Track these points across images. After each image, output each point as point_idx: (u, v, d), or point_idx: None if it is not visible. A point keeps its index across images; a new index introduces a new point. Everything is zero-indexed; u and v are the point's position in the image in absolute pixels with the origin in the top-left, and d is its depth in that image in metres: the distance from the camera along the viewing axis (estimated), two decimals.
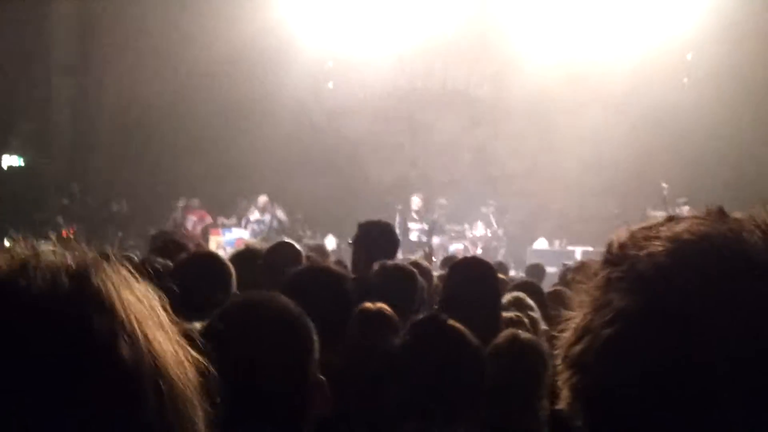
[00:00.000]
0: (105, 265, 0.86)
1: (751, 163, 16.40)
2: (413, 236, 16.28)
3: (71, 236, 14.42)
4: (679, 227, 0.92)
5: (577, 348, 0.93)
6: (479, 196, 18.02)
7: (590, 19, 18.11)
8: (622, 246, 0.95)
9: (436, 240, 16.54)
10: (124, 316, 0.82)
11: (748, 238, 0.88)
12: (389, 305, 3.56)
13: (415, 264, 6.34)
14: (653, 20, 17.78)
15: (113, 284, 0.84)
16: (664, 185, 15.30)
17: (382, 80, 18.47)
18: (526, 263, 13.46)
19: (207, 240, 17.05)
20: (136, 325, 0.83)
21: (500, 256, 15.64)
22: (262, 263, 5.24)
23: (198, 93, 18.38)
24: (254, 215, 17.02)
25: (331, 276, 3.55)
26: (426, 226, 16.48)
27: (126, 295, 0.84)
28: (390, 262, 4.58)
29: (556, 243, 17.48)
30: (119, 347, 0.80)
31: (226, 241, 16.36)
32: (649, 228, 0.96)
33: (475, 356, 2.75)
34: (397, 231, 16.32)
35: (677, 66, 17.41)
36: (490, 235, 17.53)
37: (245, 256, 5.28)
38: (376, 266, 4.48)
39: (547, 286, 8.41)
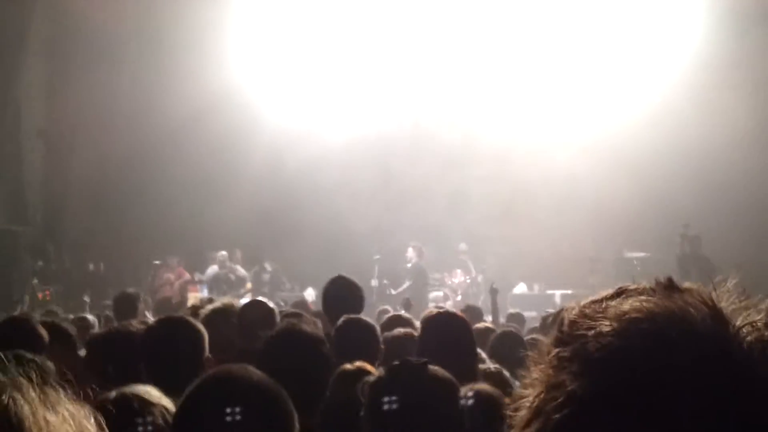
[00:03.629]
0: (26, 388, 0.84)
1: (727, 201, 16.56)
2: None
3: (47, 298, 14.28)
4: (627, 305, 0.91)
5: (529, 430, 0.92)
6: (456, 243, 18.07)
7: (561, 63, 18.39)
8: (572, 324, 0.94)
9: (406, 284, 16.68)
10: None
11: (694, 315, 0.87)
12: (352, 359, 3.55)
13: (397, 317, 6.32)
14: (623, 63, 18.08)
15: (31, 409, 0.82)
16: (684, 225, 15.39)
17: (354, 128, 18.61)
18: (506, 308, 13.45)
19: (185, 297, 16.94)
20: None
21: (480, 302, 15.62)
22: (236, 322, 5.19)
23: (171, 150, 18.40)
24: (214, 271, 16.96)
25: (307, 339, 3.51)
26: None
27: (47, 417, 0.82)
28: (350, 317, 4.59)
29: (535, 287, 17.53)
30: None
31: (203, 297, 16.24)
32: (599, 303, 0.96)
33: (453, 397, 2.71)
34: (375, 282, 16.41)
35: (646, 108, 17.64)
36: (469, 281, 17.55)
37: (220, 314, 5.23)
38: (340, 322, 4.51)
39: (527, 331, 8.42)
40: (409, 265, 17.02)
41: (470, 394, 3.19)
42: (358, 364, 3.53)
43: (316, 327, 4.39)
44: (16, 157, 18.36)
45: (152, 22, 18.27)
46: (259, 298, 6.02)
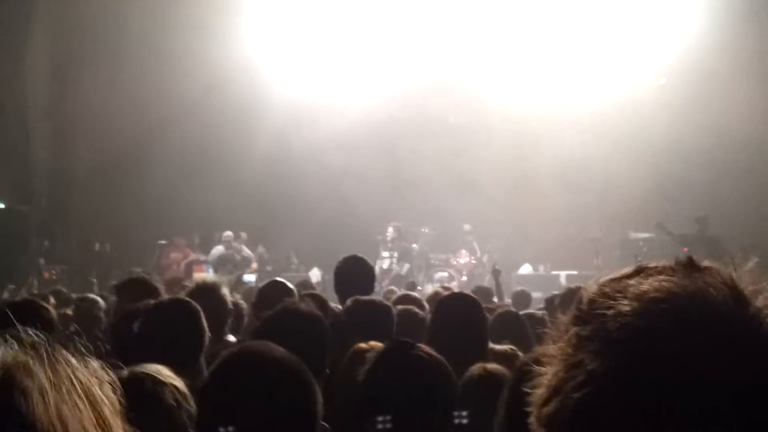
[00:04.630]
0: (35, 367, 0.84)
1: (730, 183, 16.51)
2: (385, 264, 16.35)
3: (53, 278, 14.33)
4: (646, 284, 0.91)
5: (549, 408, 0.92)
6: (462, 224, 18.06)
7: (568, 44, 18.28)
8: (591, 302, 0.94)
9: (406, 267, 16.58)
10: (48, 424, 0.81)
11: (714, 296, 0.87)
12: (364, 340, 3.55)
13: (406, 296, 6.31)
14: (631, 45, 17.97)
15: (40, 389, 0.82)
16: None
17: (361, 111, 18.55)
18: (511, 289, 13.46)
19: (191, 277, 16.97)
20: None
21: (485, 282, 15.64)
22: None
23: (177, 130, 18.37)
24: (219, 251, 16.95)
25: (305, 318, 3.52)
26: (396, 254, 16.57)
27: (55, 398, 0.82)
28: (364, 298, 4.57)
29: (541, 268, 17.52)
30: None
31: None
32: (618, 281, 0.95)
33: (447, 382, 2.71)
34: (379, 262, 16.33)
35: (653, 90, 17.56)
36: (474, 262, 17.55)
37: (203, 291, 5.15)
38: (348, 302, 4.49)
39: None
40: (389, 244, 16.95)
41: (477, 372, 3.20)
42: (372, 343, 3.54)
43: (318, 305, 4.39)
44: (22, 137, 18.33)
45: (158, 2, 18.19)
46: (278, 278, 5.97)
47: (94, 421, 0.87)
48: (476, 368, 3.18)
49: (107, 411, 0.90)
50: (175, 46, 17.84)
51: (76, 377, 0.88)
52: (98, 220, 18.66)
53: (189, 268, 17.20)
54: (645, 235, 16.70)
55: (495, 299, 9.80)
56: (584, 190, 17.26)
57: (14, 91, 17.97)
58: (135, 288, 5.29)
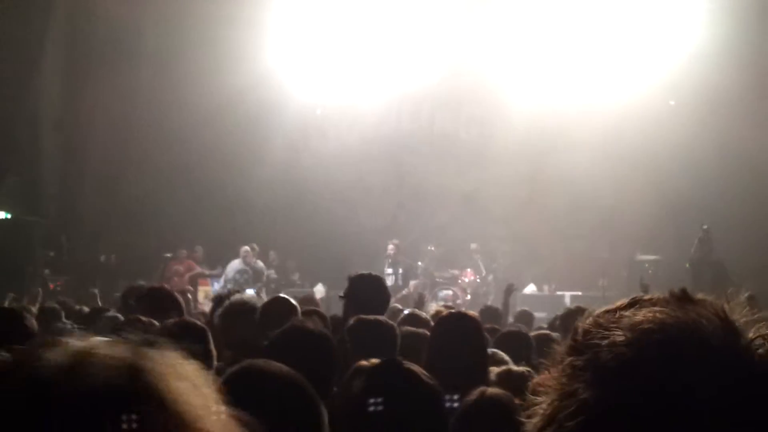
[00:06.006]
0: (154, 355, 0.90)
1: (739, 203, 16.48)
2: (389, 281, 16.32)
3: (58, 289, 14.31)
4: (640, 315, 0.92)
5: None
6: (468, 242, 18.05)
7: (577, 63, 18.32)
8: (586, 333, 0.96)
9: (412, 283, 16.56)
10: (177, 408, 0.89)
11: (707, 327, 0.89)
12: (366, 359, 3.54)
13: (414, 316, 6.27)
14: (639, 64, 18.00)
15: (164, 375, 0.90)
16: (705, 227, 15.36)
17: (370, 125, 18.60)
18: (515, 309, 13.43)
19: (195, 290, 17.00)
20: (189, 415, 0.90)
21: (490, 301, 15.61)
22: (258, 319, 5.19)
23: (186, 144, 18.43)
24: (236, 265, 16.92)
25: (314, 337, 3.53)
26: (400, 271, 16.55)
27: (175, 383, 0.90)
28: (368, 317, 4.54)
29: (546, 288, 17.48)
30: None
31: (214, 291, 16.28)
32: (613, 312, 0.97)
33: (433, 399, 2.72)
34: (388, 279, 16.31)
35: (662, 110, 17.56)
36: (479, 281, 17.53)
37: (240, 311, 5.20)
38: (351, 321, 4.45)
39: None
40: (390, 260, 16.92)
41: (476, 396, 3.20)
42: (373, 360, 3.54)
43: (323, 324, 4.37)
44: (32, 148, 18.43)
45: (170, 17, 18.30)
46: (281, 294, 5.97)
47: (204, 401, 0.95)
48: (476, 392, 3.17)
49: (213, 395, 0.97)
50: (186, 60, 17.94)
51: (185, 367, 0.96)
52: (105, 232, 18.71)
53: (194, 281, 17.21)
54: (651, 256, 16.67)
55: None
56: (591, 210, 17.26)
57: (24, 102, 18.06)
58: (155, 300, 5.30)
